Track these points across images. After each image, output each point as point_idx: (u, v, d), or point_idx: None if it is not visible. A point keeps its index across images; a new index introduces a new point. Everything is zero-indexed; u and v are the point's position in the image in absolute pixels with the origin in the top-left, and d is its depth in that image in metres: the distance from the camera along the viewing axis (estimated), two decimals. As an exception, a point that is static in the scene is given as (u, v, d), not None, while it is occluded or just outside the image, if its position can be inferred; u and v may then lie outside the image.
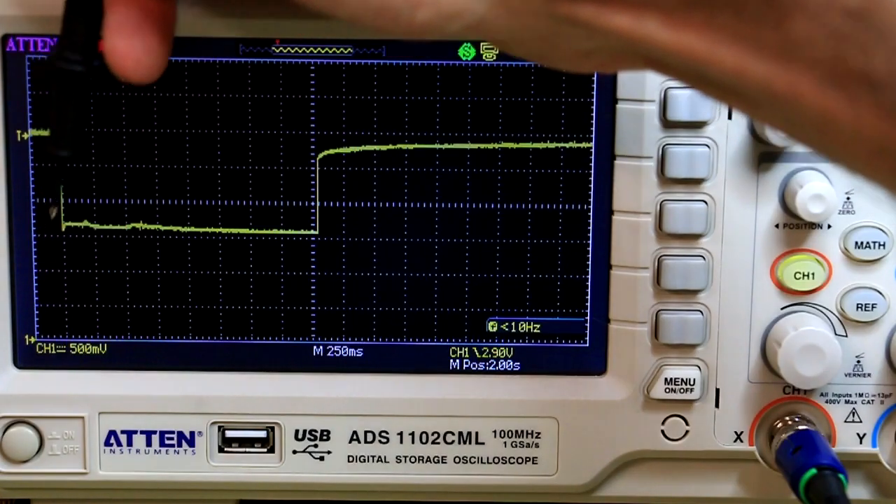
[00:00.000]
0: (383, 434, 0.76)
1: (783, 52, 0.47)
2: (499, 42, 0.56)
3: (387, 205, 0.74)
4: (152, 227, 0.75)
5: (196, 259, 0.75)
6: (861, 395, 0.75)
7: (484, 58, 0.73)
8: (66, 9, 0.62)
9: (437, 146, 0.74)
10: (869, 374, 0.75)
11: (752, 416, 0.76)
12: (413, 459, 0.76)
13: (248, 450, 0.76)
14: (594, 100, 0.73)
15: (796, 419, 0.75)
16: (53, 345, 0.76)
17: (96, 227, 0.75)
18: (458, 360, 0.76)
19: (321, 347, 0.76)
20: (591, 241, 0.75)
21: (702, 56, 0.49)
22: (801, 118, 0.49)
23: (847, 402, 0.75)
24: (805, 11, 0.46)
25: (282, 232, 0.75)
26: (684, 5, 0.48)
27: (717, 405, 0.75)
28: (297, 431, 0.76)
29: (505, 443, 0.76)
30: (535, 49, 0.54)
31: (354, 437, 0.76)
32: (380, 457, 0.76)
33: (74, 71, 0.63)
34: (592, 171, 0.74)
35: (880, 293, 0.74)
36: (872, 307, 0.74)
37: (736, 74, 0.49)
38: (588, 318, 0.76)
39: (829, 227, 0.73)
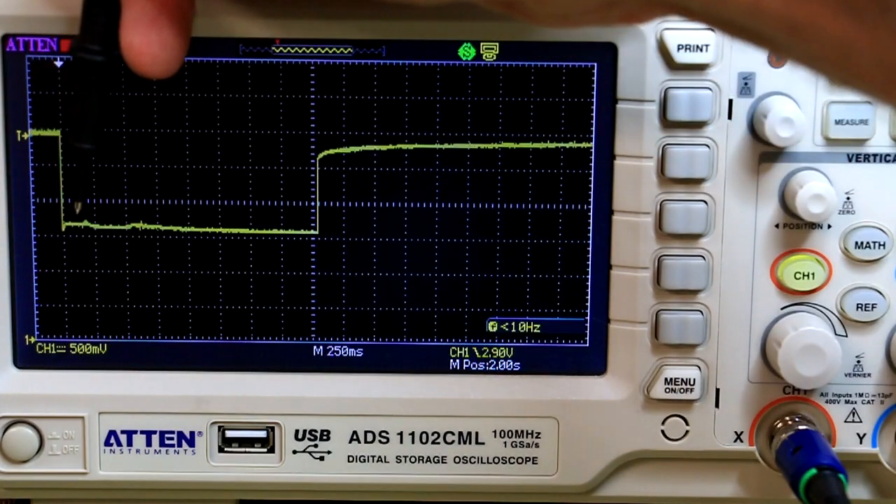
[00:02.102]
0: (383, 434, 0.76)
1: None
2: (519, 4, 0.55)
3: (387, 205, 0.74)
4: (152, 227, 0.75)
5: (196, 259, 0.75)
6: (861, 395, 0.75)
7: (484, 58, 0.73)
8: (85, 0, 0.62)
9: (437, 146, 0.74)
10: (869, 374, 0.75)
11: (752, 416, 0.76)
12: (413, 459, 0.76)
13: (248, 450, 0.76)
14: (594, 100, 0.73)
15: (796, 419, 0.75)
16: (53, 345, 0.76)
17: (96, 227, 0.75)
18: (458, 360, 0.76)
19: (321, 347, 0.76)
20: (591, 241, 0.75)
21: None
22: (822, 51, 0.48)
23: (847, 402, 0.75)
24: None
25: (282, 232, 0.75)
26: None
27: (717, 405, 0.75)
28: (297, 431, 0.76)
29: (505, 443, 0.76)
30: (559, 6, 0.53)
31: (354, 437, 0.76)
32: (380, 457, 0.76)
33: (95, 61, 0.63)
34: (592, 171, 0.74)
35: (880, 293, 0.74)
36: (872, 307, 0.74)
37: (752, 12, 0.48)
38: (588, 318, 0.76)
39: (829, 227, 0.73)
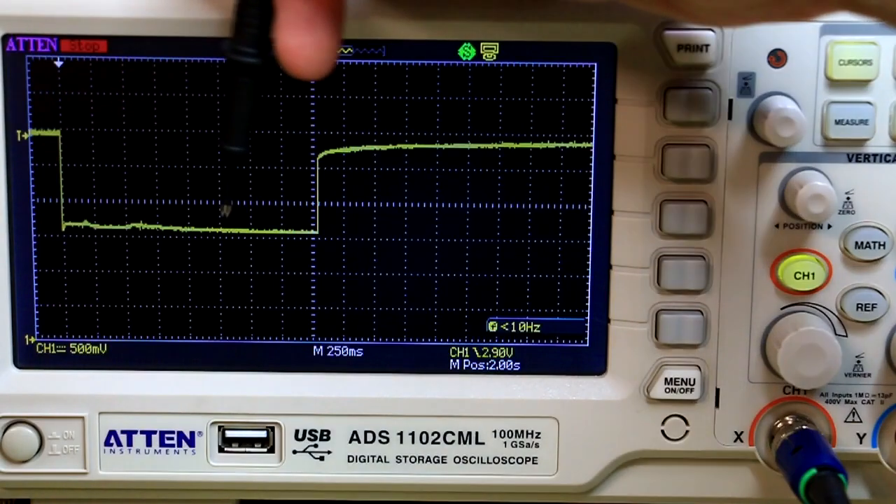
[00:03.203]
0: (383, 434, 0.76)
1: None
2: (681, 2, 0.54)
3: (387, 205, 0.74)
4: (152, 227, 0.75)
5: (196, 259, 0.75)
6: (861, 395, 0.75)
7: (484, 58, 0.73)
8: (239, 1, 0.62)
9: (437, 146, 0.74)
10: (869, 374, 0.75)
11: (752, 416, 0.76)
12: (413, 459, 0.76)
13: (248, 450, 0.76)
14: (594, 100, 0.73)
15: (796, 419, 0.75)
16: (53, 345, 0.76)
17: (96, 227, 0.75)
18: (458, 360, 0.76)
19: (321, 347, 0.76)
20: (591, 241, 0.75)
21: None
22: None
23: (847, 402, 0.75)
24: None
25: (282, 232, 0.75)
26: None
27: (717, 405, 0.75)
28: (297, 431, 0.76)
29: (505, 443, 0.76)
30: (725, 1, 0.52)
31: (354, 437, 0.76)
32: (380, 457, 0.76)
33: (248, 63, 0.63)
34: (592, 171, 0.74)
35: (880, 293, 0.74)
36: (872, 307, 0.74)
37: None
38: (588, 318, 0.76)
39: (829, 227, 0.73)
